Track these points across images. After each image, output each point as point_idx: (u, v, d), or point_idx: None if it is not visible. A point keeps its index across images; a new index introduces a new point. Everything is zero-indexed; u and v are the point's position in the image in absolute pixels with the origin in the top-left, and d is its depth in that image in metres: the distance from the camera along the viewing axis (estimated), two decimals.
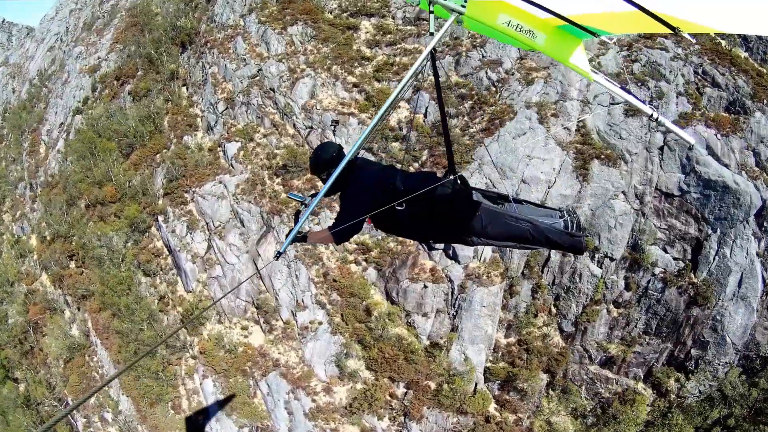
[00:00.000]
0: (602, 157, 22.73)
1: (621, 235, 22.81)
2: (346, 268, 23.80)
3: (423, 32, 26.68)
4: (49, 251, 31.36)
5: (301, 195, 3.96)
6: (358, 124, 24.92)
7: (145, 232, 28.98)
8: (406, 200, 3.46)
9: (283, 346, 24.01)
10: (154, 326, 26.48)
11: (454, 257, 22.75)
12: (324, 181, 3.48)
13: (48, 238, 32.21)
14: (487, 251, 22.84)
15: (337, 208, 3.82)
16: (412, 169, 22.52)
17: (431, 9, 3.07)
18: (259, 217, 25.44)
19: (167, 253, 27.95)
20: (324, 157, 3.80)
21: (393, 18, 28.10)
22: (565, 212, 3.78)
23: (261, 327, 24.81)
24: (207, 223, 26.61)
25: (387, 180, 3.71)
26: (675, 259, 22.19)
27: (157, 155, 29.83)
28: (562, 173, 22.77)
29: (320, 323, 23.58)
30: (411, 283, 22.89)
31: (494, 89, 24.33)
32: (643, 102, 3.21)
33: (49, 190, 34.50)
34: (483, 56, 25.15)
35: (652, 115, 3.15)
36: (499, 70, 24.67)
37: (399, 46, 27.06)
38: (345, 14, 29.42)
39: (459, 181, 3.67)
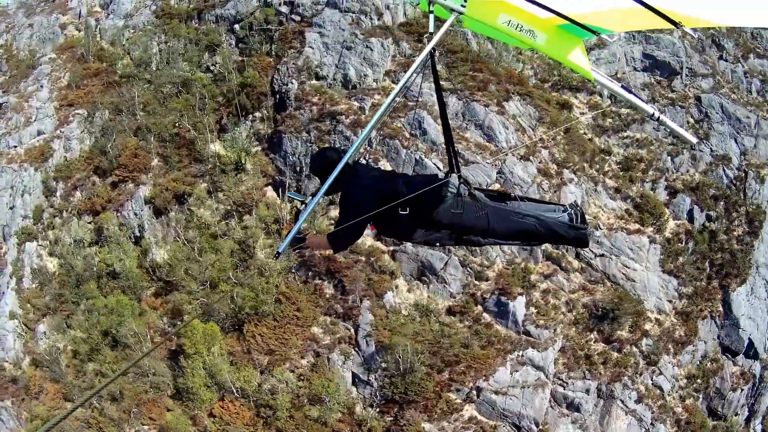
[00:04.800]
0: None
1: None
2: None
3: (647, 120, 23.75)
4: None
5: (300, 195, 4.20)
6: (653, 245, 20.82)
7: None
8: (407, 200, 3.45)
9: None
10: None
11: None
12: (323, 182, 3.46)
13: None
14: None
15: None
16: None
17: (431, 9, 3.10)
18: (594, 393, 18.66)
19: None
20: (325, 160, 3.74)
21: (600, 95, 23.94)
22: (568, 206, 3.77)
23: None
24: None
25: (388, 183, 3.71)
26: None
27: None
28: None
29: None
30: None
31: None
32: (644, 101, 3.22)
33: None
34: None
35: (653, 114, 3.16)
36: None
37: (625, 134, 23.40)
38: (546, 85, 23.34)
39: (460, 181, 3.61)
